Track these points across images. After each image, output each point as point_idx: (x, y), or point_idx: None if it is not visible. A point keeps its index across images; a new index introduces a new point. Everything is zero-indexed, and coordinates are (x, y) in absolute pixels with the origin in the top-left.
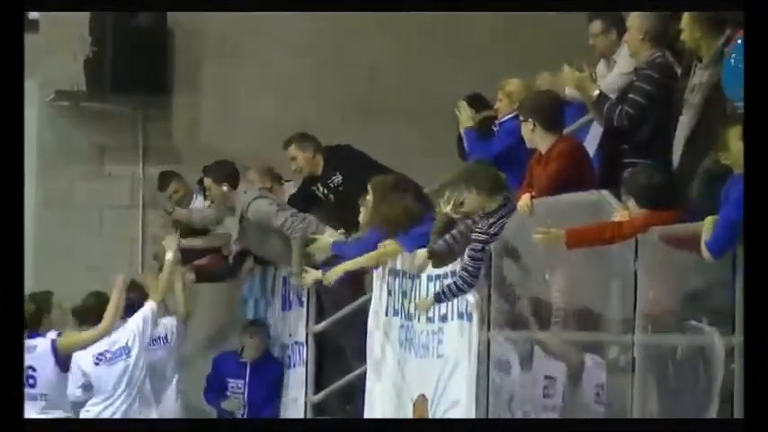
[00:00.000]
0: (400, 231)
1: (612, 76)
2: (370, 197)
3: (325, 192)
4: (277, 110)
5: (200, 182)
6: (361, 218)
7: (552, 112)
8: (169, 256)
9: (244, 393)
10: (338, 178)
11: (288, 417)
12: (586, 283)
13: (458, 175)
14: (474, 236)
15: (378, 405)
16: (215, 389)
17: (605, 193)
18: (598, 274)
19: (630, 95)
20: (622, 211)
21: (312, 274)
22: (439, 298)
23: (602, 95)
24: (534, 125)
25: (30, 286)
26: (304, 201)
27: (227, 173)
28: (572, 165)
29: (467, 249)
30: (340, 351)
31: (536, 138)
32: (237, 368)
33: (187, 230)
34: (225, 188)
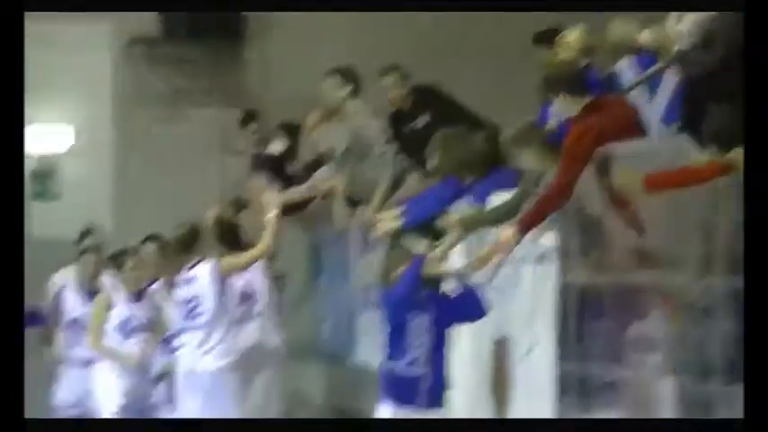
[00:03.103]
0: (472, 177)
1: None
2: (435, 151)
3: (410, 132)
4: (353, 53)
5: (281, 125)
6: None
7: (574, 76)
8: (271, 215)
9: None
10: (424, 119)
11: (368, 357)
12: (665, 224)
13: (513, 136)
14: None
15: (458, 348)
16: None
17: (683, 137)
18: (677, 216)
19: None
20: (701, 155)
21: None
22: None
23: (682, 52)
24: (562, 95)
25: (111, 231)
26: (389, 138)
27: (355, 77)
28: (579, 160)
29: None
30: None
31: (569, 107)
32: None
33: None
34: (345, 93)
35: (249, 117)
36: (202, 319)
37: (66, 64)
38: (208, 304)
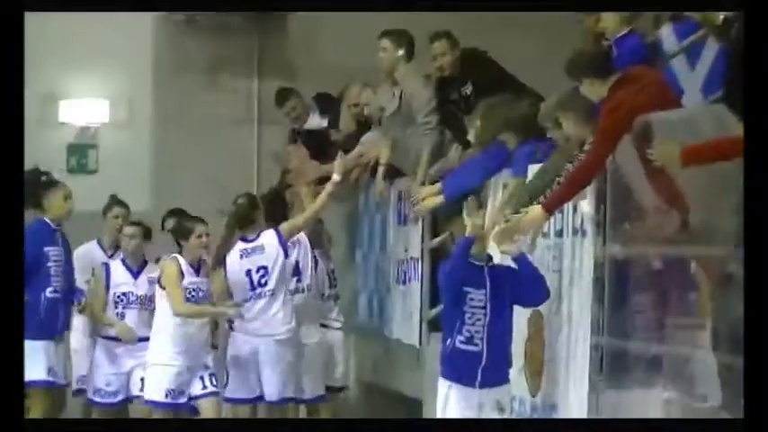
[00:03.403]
0: (516, 141)
1: None
2: (476, 121)
3: (456, 100)
4: (398, 22)
5: (317, 98)
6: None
7: (600, 59)
8: (336, 178)
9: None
10: (469, 88)
11: (403, 333)
12: (698, 193)
13: (558, 101)
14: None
15: None
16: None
17: (722, 108)
18: (709, 185)
19: None
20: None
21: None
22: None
23: (728, 19)
24: (590, 80)
25: (148, 200)
26: (435, 107)
27: (409, 40)
28: (609, 137)
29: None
30: None
31: (597, 90)
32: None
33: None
34: (401, 53)
35: (284, 95)
36: (268, 288)
37: (106, 34)
38: (275, 273)
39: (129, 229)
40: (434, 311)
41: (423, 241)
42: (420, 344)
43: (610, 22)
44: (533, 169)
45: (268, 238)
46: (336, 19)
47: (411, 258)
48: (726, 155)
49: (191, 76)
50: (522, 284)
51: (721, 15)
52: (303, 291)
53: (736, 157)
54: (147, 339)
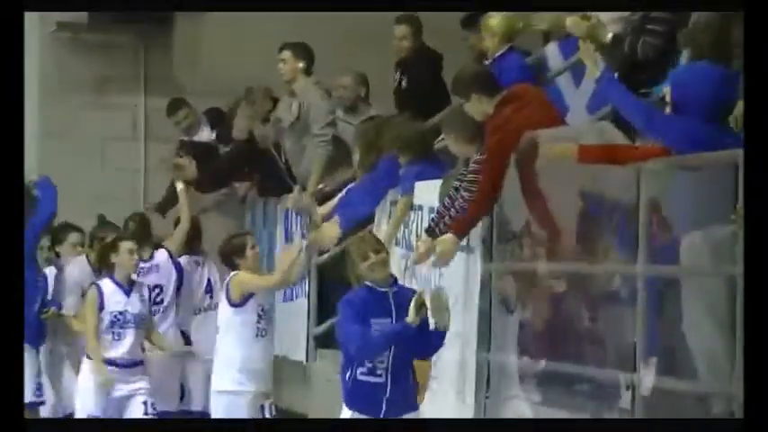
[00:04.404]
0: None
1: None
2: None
3: (396, 80)
4: (283, 37)
5: (208, 112)
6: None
7: (484, 76)
8: (180, 186)
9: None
10: (405, 80)
11: (290, 349)
12: (584, 213)
13: (441, 120)
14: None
15: None
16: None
17: (607, 124)
18: (603, 204)
19: (649, 26)
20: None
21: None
22: (432, 233)
23: (618, 36)
24: (478, 96)
25: None
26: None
27: (309, 54)
28: (499, 156)
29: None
30: (342, 283)
31: (484, 107)
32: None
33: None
34: (301, 65)
35: (176, 105)
36: (163, 305)
37: None
38: (169, 290)
39: (126, 245)
40: (321, 328)
41: (310, 258)
42: (307, 360)
43: (490, 41)
44: (420, 187)
45: (161, 256)
46: (223, 33)
47: None
48: (618, 159)
49: (77, 95)
50: (421, 333)
51: (610, 34)
52: (215, 307)
53: (630, 162)
54: (141, 363)
